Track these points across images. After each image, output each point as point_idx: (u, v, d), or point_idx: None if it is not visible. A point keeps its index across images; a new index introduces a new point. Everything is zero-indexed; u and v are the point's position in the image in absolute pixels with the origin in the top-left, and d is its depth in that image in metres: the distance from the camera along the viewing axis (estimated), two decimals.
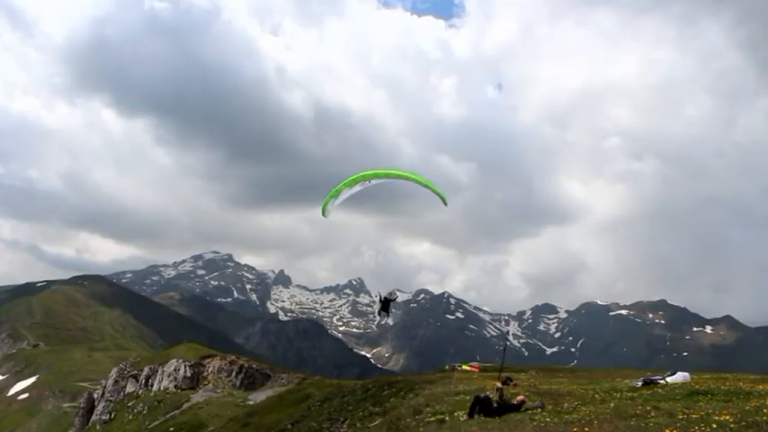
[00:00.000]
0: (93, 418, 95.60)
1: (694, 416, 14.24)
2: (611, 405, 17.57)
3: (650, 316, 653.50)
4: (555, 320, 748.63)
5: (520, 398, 19.39)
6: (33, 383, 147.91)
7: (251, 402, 79.50)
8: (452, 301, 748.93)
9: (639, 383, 24.71)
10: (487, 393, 20.29)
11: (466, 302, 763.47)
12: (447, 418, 20.17)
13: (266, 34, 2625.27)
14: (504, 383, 31.45)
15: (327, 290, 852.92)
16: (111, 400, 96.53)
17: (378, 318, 26.02)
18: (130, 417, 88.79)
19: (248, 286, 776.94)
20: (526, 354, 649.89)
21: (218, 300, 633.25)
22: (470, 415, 18.93)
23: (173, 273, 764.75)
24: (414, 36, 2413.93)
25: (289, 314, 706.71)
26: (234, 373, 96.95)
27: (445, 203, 12.37)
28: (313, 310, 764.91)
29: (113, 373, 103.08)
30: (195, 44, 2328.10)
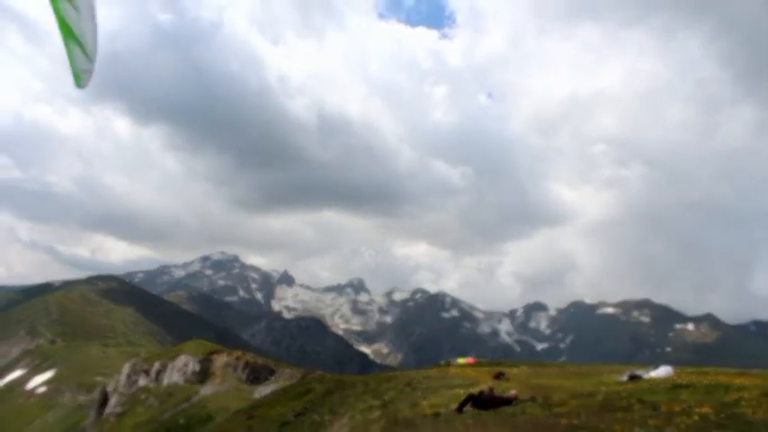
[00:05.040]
0: (107, 410, 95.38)
1: (677, 408, 14.28)
2: (599, 398, 17.59)
3: (635, 314, 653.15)
4: (545, 318, 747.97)
5: (513, 392, 19.36)
6: (51, 378, 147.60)
7: (256, 396, 79.32)
8: (448, 299, 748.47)
9: (625, 378, 24.75)
10: (482, 388, 20.29)
11: (461, 301, 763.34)
12: (443, 411, 20.17)
13: (268, 45, 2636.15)
14: (496, 378, 31.51)
15: (329, 289, 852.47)
16: (123, 394, 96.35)
17: None
18: (142, 409, 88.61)
19: (254, 286, 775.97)
20: (518, 350, 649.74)
21: (225, 298, 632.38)
22: (459, 409, 18.87)
23: (182, 273, 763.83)
24: (408, 46, 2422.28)
25: (292, 312, 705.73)
26: (240, 369, 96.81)
27: (78, 84, 8.54)
28: (315, 309, 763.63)
29: (126, 368, 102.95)
30: (201, 55, 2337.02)
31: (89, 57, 8.75)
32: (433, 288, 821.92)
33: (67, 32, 8.42)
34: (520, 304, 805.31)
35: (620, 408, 15.36)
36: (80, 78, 8.78)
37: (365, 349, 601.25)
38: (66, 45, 8.48)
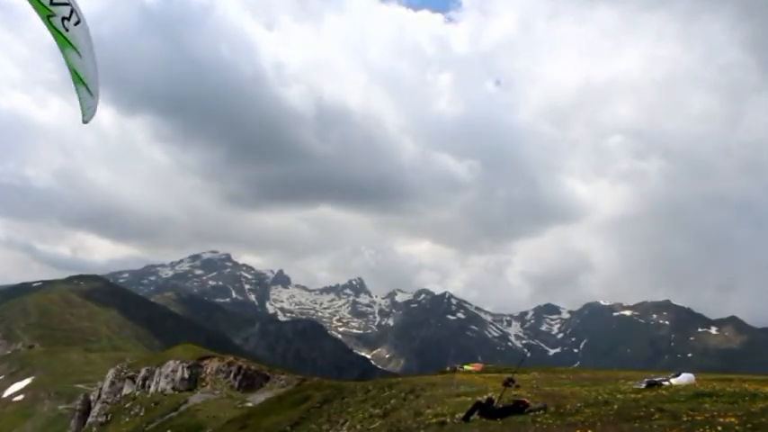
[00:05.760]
0: (90, 420, 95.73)
1: (699, 418, 14.22)
2: (615, 407, 17.54)
3: (654, 317, 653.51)
4: (557, 321, 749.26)
5: (523, 400, 19.31)
6: (29, 385, 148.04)
7: (249, 404, 79.58)
8: (453, 301, 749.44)
9: (643, 385, 24.68)
10: (490, 396, 20.25)
11: (467, 303, 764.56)
12: (448, 420, 20.17)
13: (262, 30, 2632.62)
14: (506, 385, 31.46)
15: (327, 290, 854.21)
16: (107, 402, 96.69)
17: None
18: (127, 419, 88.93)
19: (247, 286, 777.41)
20: (528, 355, 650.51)
21: (217, 300, 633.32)
22: (466, 418, 18.83)
23: (170, 273, 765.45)
24: (410, 31, 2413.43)
25: (288, 314, 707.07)
26: (232, 375, 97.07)
27: (84, 120, 10.43)
28: (312, 311, 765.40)
29: (110, 374, 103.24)
30: (191, 40, 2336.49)
31: (92, 94, 10.48)
32: (437, 289, 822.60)
33: (77, 79, 10.11)
34: (530, 306, 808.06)
35: (637, 417, 15.31)
36: (86, 114, 10.50)
37: (365, 354, 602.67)
38: (77, 89, 10.23)
